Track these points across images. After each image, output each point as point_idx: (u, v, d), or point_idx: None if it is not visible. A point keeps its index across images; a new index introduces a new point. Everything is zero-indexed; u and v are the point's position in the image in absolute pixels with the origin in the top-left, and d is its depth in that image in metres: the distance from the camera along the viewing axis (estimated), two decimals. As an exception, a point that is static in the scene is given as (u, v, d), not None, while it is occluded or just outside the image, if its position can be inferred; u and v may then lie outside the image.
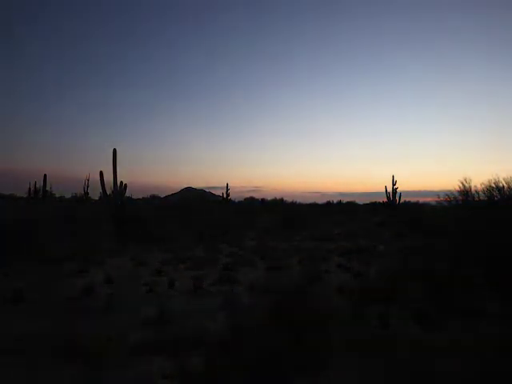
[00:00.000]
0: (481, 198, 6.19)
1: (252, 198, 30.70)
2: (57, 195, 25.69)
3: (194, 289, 6.34)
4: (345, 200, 33.94)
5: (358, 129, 76.74)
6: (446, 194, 6.80)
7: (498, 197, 5.93)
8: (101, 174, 15.21)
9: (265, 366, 3.04)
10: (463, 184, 6.46)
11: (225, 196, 28.65)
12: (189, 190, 56.87)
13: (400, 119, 71.36)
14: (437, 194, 7.48)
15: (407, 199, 25.51)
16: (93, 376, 3.21)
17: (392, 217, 19.63)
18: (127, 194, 15.67)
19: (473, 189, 6.35)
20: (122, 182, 15.08)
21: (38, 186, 22.56)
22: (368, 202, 33.26)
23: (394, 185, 24.23)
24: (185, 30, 61.73)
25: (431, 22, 55.97)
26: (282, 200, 28.76)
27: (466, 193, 6.39)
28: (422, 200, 24.79)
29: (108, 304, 5.28)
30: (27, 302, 5.46)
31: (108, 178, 15.11)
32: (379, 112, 72.29)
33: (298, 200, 30.41)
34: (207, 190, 49.58)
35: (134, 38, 62.46)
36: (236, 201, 30.42)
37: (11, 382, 3.20)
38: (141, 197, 27.56)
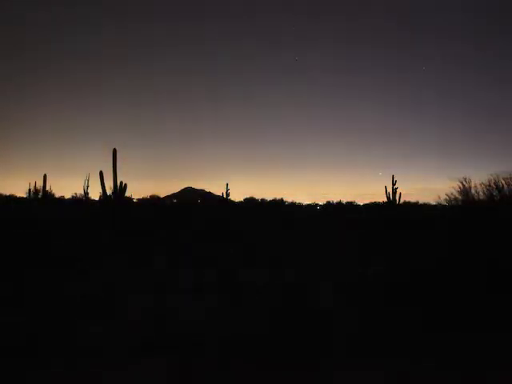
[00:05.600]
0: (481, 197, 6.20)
1: (252, 198, 30.72)
2: (57, 195, 25.69)
3: (194, 288, 6.32)
4: (344, 200, 34.01)
5: (357, 128, 76.64)
6: (446, 195, 6.81)
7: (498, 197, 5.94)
8: (101, 173, 15.19)
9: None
10: (463, 184, 6.46)
11: (225, 196, 28.64)
12: (189, 191, 56.88)
13: (399, 118, 71.29)
14: (437, 194, 7.49)
15: (407, 199, 25.60)
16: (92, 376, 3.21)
17: (392, 217, 19.60)
18: (127, 194, 15.65)
19: (472, 189, 6.35)
20: (121, 182, 15.06)
21: (37, 186, 22.51)
22: (368, 202, 33.31)
23: (393, 185, 24.20)
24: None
25: (420, 19, 55.89)
26: (281, 200, 28.79)
27: (465, 193, 6.39)
28: (421, 200, 24.88)
29: (107, 304, 5.27)
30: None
31: (108, 178, 15.09)
32: (379, 111, 72.26)
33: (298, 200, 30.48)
34: (207, 190, 49.55)
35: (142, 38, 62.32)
36: (236, 201, 30.45)
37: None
38: (141, 197, 27.64)
